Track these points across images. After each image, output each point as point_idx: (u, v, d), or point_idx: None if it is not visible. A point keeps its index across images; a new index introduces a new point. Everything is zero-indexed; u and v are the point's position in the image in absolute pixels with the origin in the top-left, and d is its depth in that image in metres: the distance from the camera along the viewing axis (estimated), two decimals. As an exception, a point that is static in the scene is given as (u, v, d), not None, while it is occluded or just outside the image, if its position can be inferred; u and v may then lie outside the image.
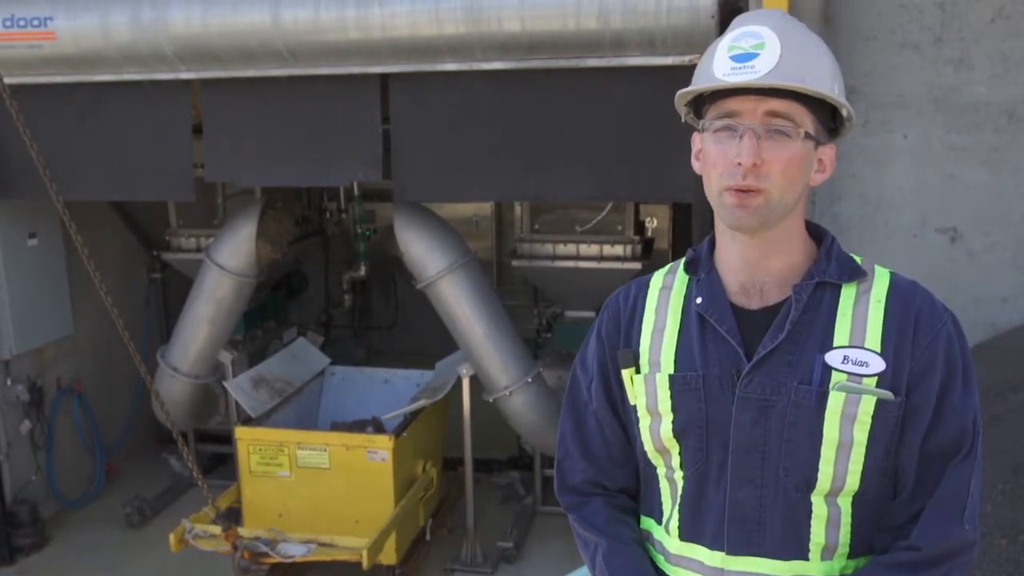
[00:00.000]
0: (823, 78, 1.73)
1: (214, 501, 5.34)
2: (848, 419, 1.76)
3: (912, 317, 1.78)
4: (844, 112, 1.78)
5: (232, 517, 5.62)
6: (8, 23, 5.35)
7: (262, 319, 7.81)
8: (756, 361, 1.80)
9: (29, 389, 6.78)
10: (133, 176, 5.92)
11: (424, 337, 7.69)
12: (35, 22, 5.36)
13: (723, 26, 4.50)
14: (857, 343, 1.76)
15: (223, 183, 7.07)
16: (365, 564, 5.19)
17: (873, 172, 4.72)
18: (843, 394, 1.75)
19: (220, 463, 7.70)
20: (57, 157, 5.11)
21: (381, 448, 5.67)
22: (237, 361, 7.03)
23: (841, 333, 1.78)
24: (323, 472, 5.76)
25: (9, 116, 4.52)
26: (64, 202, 4.36)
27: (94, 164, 5.87)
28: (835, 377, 1.76)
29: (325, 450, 5.75)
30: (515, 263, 6.69)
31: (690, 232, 5.37)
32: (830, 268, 1.83)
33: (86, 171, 5.86)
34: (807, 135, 1.72)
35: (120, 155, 5.84)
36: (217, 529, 5.39)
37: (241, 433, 5.94)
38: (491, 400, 5.96)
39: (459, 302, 5.76)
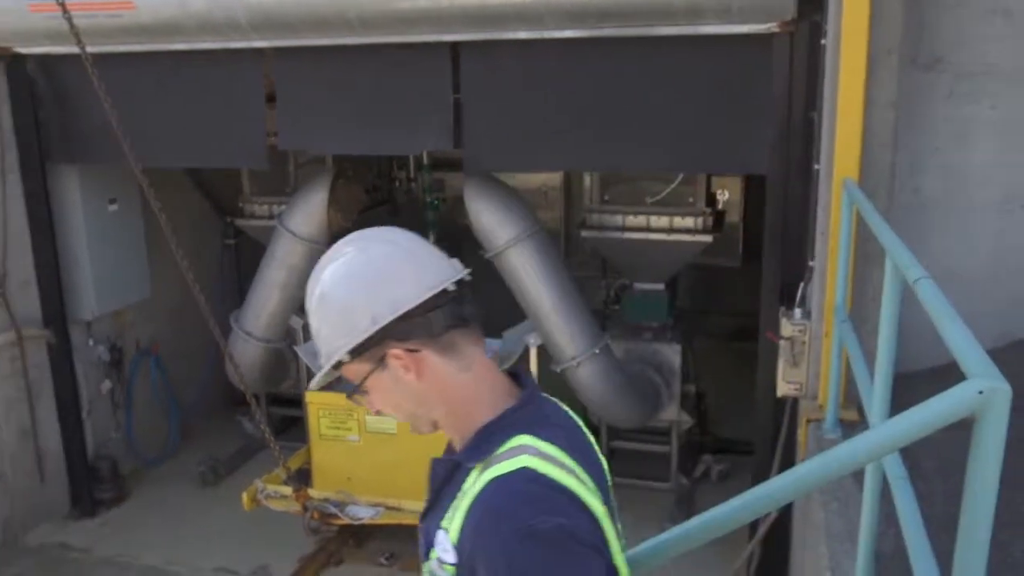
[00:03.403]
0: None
1: (285, 462, 5.46)
2: None
3: (474, 524, 1.60)
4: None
5: (302, 478, 5.75)
6: (90, -8, 5.46)
7: (332, 286, 7.90)
8: (421, 516, 1.83)
9: (109, 350, 7.02)
10: (208, 144, 6.02)
11: (491, 306, 7.70)
12: (115, -9, 5.46)
13: (803, -7, 4.38)
14: (451, 528, 1.67)
15: (295, 151, 7.15)
16: (431, 529, 5.27)
17: (957, 145, 4.54)
18: (427, 574, 1.74)
19: (290, 426, 7.86)
20: (135, 125, 5.21)
21: (448, 415, 5.71)
22: (308, 326, 7.13)
23: (450, 513, 1.69)
24: (391, 437, 5.84)
25: (91, 84, 4.63)
26: (143, 169, 4.46)
27: (171, 132, 5.99)
28: (431, 554, 1.72)
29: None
30: (584, 234, 6.65)
31: (762, 205, 5.26)
32: (469, 447, 1.73)
33: (163, 139, 5.98)
34: (365, 379, 1.73)
35: (196, 123, 5.95)
36: (288, 490, 5.52)
37: (312, 397, 6.05)
38: (558, 371, 5.96)
39: (527, 272, 5.76)
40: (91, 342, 6.91)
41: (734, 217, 7.71)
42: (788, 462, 4.81)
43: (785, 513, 4.77)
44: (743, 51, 4.79)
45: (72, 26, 4.56)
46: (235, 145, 5.92)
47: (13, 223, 6.28)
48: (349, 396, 1.81)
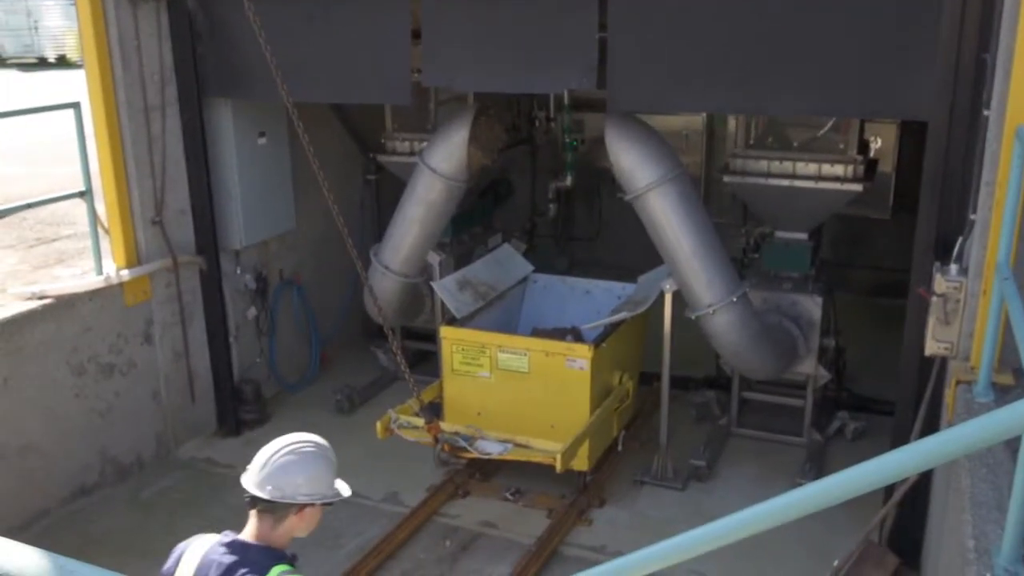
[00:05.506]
0: None
1: (418, 395, 5.59)
2: None
3: None
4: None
5: (434, 411, 5.88)
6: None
7: (469, 224, 7.99)
8: None
9: (255, 278, 7.32)
10: (354, 79, 6.12)
11: (626, 250, 7.65)
12: (270, -74, 5.54)
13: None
14: None
15: (435, 89, 7.19)
16: (559, 467, 5.31)
17: None
18: None
19: (423, 360, 8.02)
20: (286, 60, 5.33)
21: (580, 357, 5.73)
22: (444, 263, 7.25)
23: None
24: (522, 376, 5.90)
25: (244, 20, 4.76)
26: (292, 103, 4.57)
27: (318, 67, 6.11)
28: None
29: (525, 355, 5.88)
30: (726, 179, 6.47)
31: (918, 154, 4.98)
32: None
33: (312, 74, 6.10)
34: None
35: (343, 59, 6.04)
36: (420, 421, 5.65)
37: (446, 332, 6.15)
38: (693, 317, 5.86)
39: (667, 216, 5.65)
40: (239, 270, 7.22)
41: (886, 166, 7.34)
42: (931, 424, 4.62)
43: (924, 476, 4.59)
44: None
45: (229, -39, 4.67)
46: (380, 81, 6.00)
47: (171, 154, 6.57)
48: None
